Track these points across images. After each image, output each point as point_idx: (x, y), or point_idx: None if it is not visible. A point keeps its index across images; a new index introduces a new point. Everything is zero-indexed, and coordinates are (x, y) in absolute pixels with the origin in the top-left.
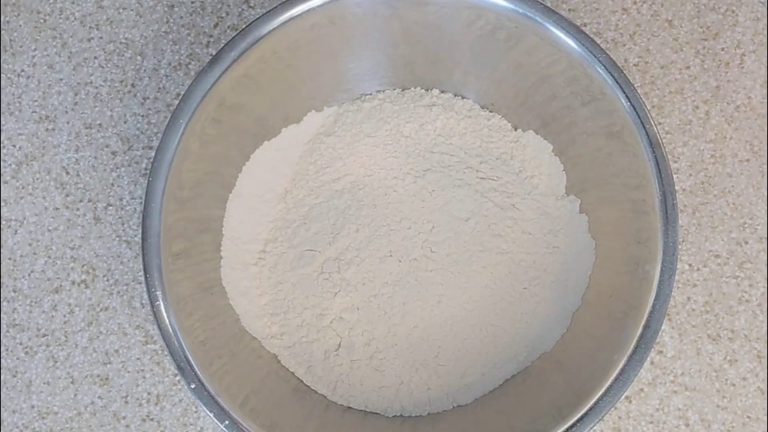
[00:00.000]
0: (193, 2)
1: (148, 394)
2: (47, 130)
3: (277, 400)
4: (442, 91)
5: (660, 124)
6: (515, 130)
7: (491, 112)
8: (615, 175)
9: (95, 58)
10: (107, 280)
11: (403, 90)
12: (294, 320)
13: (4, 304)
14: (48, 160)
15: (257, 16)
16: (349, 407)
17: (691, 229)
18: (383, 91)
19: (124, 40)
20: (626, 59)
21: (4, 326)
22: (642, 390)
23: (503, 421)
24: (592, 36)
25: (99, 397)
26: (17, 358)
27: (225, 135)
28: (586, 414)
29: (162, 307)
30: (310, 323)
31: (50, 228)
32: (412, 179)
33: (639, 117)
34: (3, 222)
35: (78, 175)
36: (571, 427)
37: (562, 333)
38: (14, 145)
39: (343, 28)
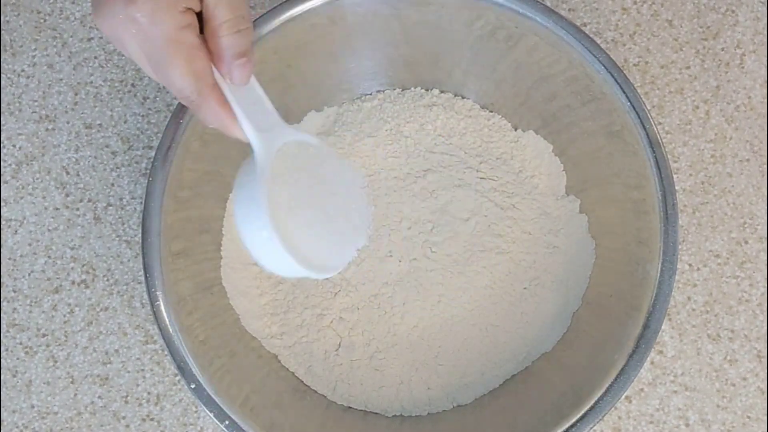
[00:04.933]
0: None
1: (148, 394)
2: (47, 130)
3: (277, 400)
4: (442, 91)
5: (660, 124)
6: (515, 130)
7: (491, 112)
8: (615, 175)
9: (95, 58)
10: (107, 280)
11: (403, 90)
12: (294, 320)
13: (4, 304)
14: (48, 160)
15: (257, 16)
16: (349, 407)
17: (691, 229)
18: (383, 91)
19: None
20: (626, 59)
21: (4, 326)
22: (642, 390)
23: (503, 421)
24: (592, 36)
25: (99, 396)
26: (17, 358)
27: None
28: (586, 414)
29: (162, 307)
30: (310, 323)
31: (50, 228)
32: (412, 179)
33: (639, 117)
34: (3, 222)
35: (78, 175)
36: (571, 427)
37: (562, 333)
38: (14, 145)
39: (344, 28)
